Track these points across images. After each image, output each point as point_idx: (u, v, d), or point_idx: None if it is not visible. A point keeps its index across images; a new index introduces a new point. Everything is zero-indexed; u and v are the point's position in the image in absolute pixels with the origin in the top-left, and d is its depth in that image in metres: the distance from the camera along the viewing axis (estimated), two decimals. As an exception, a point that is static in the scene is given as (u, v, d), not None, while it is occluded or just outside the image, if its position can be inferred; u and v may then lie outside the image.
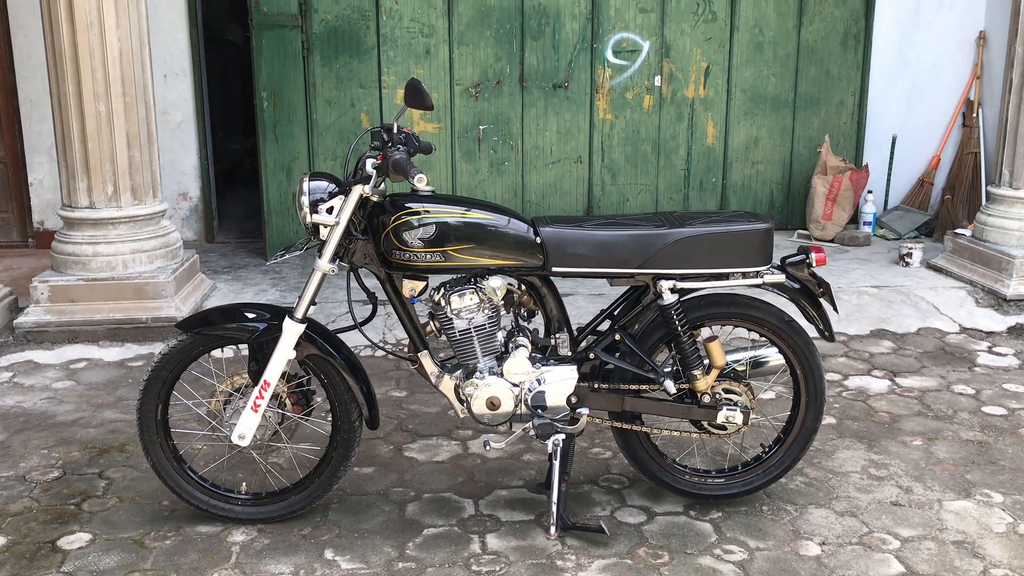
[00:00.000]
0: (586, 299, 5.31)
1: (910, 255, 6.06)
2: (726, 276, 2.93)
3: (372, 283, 2.96)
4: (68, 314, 4.84)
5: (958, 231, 6.06)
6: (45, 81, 6.00)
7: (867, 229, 6.88)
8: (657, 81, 6.72)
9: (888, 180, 7.15)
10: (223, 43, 8.77)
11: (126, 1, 4.81)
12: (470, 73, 6.50)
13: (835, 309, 3.05)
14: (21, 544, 2.91)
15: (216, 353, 3.01)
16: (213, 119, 7.26)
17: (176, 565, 2.80)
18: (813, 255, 2.94)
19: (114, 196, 4.94)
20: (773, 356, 3.07)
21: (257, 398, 2.85)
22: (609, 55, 6.64)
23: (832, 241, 6.75)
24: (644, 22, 6.63)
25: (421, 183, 2.68)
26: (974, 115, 6.95)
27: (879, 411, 4.00)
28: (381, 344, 4.71)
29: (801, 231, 6.95)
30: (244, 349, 2.92)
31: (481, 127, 6.58)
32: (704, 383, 2.96)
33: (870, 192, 6.89)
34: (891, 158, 7.12)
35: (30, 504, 3.16)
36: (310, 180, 2.81)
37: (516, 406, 2.94)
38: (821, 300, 3.03)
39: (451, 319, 2.89)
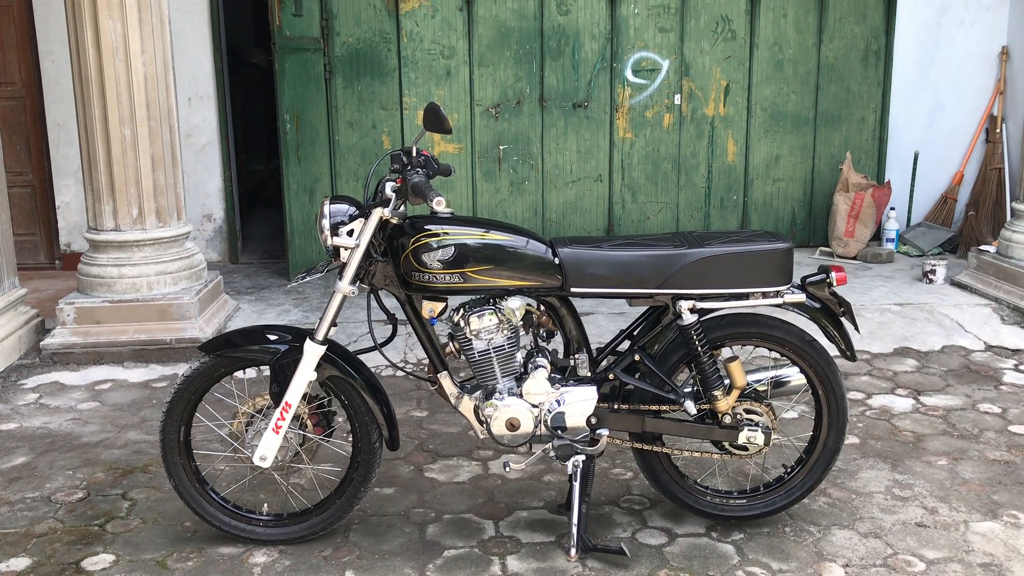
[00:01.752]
0: (606, 318, 5.31)
1: (934, 272, 6.01)
2: (746, 296, 2.92)
3: (392, 304, 2.98)
4: (94, 335, 4.90)
5: (982, 248, 6.00)
6: (72, 105, 6.10)
7: (890, 246, 6.83)
8: (677, 99, 6.73)
9: (911, 197, 7.11)
10: (247, 66, 8.88)
11: (151, 26, 4.89)
12: (490, 94, 6.55)
13: (856, 328, 3.03)
14: (46, 565, 2.94)
15: (238, 375, 3.03)
16: (237, 141, 7.36)
17: (198, 586, 2.82)
18: (833, 274, 2.93)
19: (139, 219, 5.01)
20: (794, 376, 3.05)
21: (279, 419, 2.87)
22: (628, 74, 6.66)
23: (855, 258, 6.71)
24: (663, 41, 6.65)
25: (440, 205, 2.70)
26: (997, 131, 6.90)
27: (903, 430, 3.96)
28: (401, 365, 4.73)
29: (823, 248, 6.92)
30: (266, 370, 2.93)
31: (501, 147, 6.62)
32: (725, 403, 2.95)
33: (892, 209, 6.85)
34: (913, 174, 7.08)
35: (55, 525, 3.19)
36: (331, 203, 2.84)
37: (536, 427, 2.94)
38: (842, 319, 3.02)
39: (470, 340, 2.90)
